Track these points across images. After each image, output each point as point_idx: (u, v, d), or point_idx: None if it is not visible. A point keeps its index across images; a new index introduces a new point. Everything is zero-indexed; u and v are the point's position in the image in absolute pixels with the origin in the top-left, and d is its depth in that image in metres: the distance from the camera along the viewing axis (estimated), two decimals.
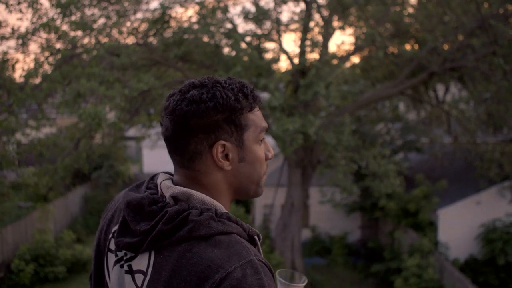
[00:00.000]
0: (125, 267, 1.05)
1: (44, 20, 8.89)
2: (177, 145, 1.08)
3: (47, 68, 9.23)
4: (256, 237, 1.09)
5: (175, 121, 1.06)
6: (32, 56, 9.24)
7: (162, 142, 13.12)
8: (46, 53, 9.02)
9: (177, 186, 1.07)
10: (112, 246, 1.11)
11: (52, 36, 8.97)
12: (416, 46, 12.24)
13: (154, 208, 1.03)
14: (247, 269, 0.94)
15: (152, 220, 1.01)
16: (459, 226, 12.74)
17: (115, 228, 1.12)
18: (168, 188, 1.07)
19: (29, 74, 8.56)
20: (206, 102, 1.04)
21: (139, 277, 1.01)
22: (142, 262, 1.02)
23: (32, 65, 8.83)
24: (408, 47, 12.44)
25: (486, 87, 10.57)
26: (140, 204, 1.04)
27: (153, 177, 1.17)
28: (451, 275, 11.26)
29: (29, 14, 8.75)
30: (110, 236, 1.13)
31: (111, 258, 1.11)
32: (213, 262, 0.94)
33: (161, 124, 1.11)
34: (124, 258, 1.05)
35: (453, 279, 11.06)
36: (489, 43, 9.20)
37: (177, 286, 0.95)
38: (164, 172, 1.16)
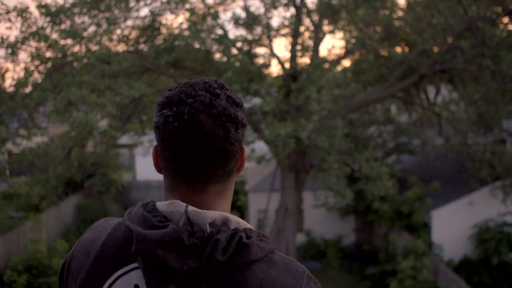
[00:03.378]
0: None
1: (34, 29, 8.85)
2: (224, 158, 0.97)
3: (37, 77, 9.19)
4: None
5: (237, 128, 0.96)
6: (22, 65, 9.17)
7: None
8: (36, 62, 8.98)
9: (211, 211, 0.95)
10: None
11: (42, 44, 8.93)
12: (406, 49, 12.32)
13: (193, 240, 0.90)
14: (311, 282, 1.00)
15: (199, 254, 0.90)
16: (452, 227, 12.80)
17: (118, 273, 0.97)
18: (201, 214, 0.94)
19: (19, 83, 8.51)
20: (242, 105, 0.99)
21: None
22: None
23: (22, 74, 8.78)
24: (398, 50, 12.52)
25: (475, 88, 10.66)
26: (178, 239, 0.90)
27: (146, 205, 1.00)
28: (445, 276, 11.29)
29: (18, 23, 8.70)
30: (108, 286, 0.97)
31: None
32: (284, 283, 0.94)
33: (200, 135, 0.93)
34: None
35: (448, 280, 11.10)
36: (477, 45, 9.29)
37: None
38: (169, 200, 1.00)
